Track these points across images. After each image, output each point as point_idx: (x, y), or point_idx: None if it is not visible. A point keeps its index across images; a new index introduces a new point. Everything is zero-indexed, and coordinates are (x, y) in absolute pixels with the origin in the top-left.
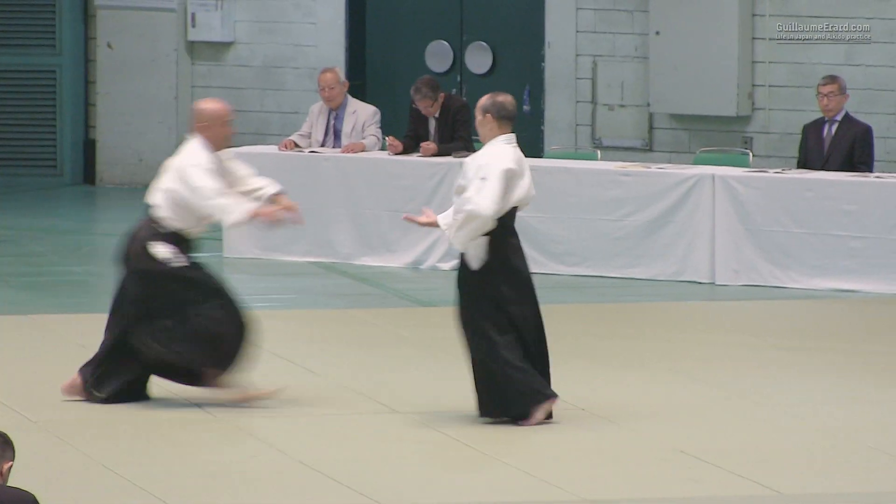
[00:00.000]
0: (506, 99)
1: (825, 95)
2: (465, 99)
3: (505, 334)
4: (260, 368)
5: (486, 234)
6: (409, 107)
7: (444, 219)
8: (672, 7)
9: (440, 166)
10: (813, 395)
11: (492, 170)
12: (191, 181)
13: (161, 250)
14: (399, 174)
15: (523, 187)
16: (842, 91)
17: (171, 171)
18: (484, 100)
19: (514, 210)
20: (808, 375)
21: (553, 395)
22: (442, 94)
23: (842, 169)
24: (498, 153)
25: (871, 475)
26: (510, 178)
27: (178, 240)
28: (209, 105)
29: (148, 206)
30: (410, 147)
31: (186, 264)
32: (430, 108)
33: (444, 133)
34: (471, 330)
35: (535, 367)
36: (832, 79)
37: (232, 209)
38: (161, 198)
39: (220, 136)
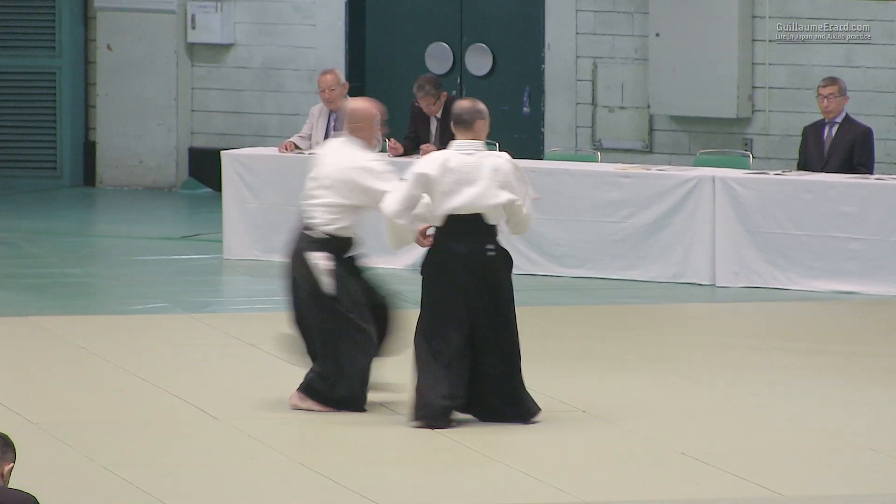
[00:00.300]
0: (458, 104)
1: (825, 97)
2: None
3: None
4: (260, 371)
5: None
6: (411, 107)
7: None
8: (672, 9)
9: None
10: (814, 396)
11: (410, 172)
12: (366, 184)
13: (320, 261)
14: (400, 175)
15: (456, 194)
16: (842, 93)
17: (334, 174)
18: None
19: (460, 217)
20: (808, 377)
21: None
22: (444, 94)
23: (841, 171)
24: (430, 157)
25: (871, 477)
26: (423, 182)
27: (335, 244)
28: (363, 105)
29: (304, 213)
30: (411, 149)
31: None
32: (432, 107)
33: (445, 135)
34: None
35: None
36: (832, 80)
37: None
38: (324, 203)
39: (372, 137)
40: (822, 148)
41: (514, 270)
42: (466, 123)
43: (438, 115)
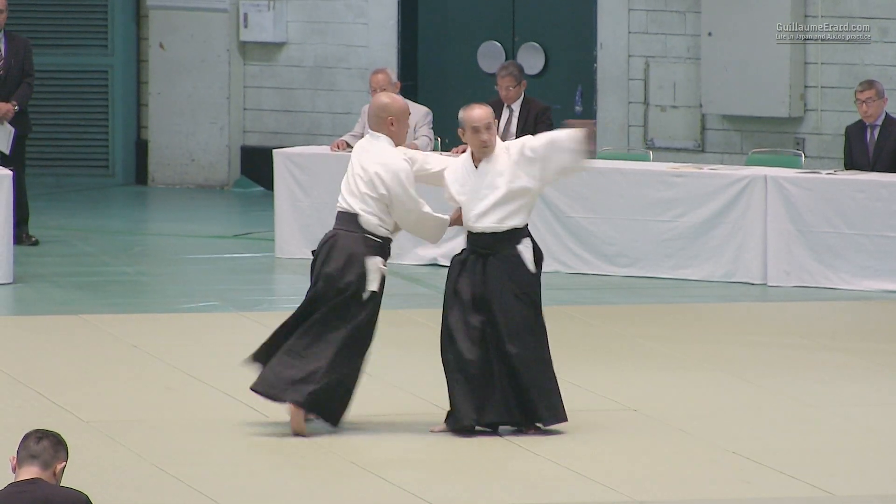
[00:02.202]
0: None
1: (863, 102)
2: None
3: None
4: None
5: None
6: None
7: None
8: (724, 8)
9: None
10: (865, 396)
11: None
12: (406, 185)
13: (375, 267)
14: None
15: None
16: (879, 96)
17: (372, 174)
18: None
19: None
20: (860, 377)
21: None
22: (525, 83)
23: (891, 171)
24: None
25: None
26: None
27: (384, 247)
28: (394, 100)
29: (348, 214)
30: None
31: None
32: (510, 90)
33: (522, 130)
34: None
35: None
36: (869, 84)
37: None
38: (366, 204)
39: (404, 133)
40: (867, 150)
41: (567, 269)
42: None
43: (513, 107)
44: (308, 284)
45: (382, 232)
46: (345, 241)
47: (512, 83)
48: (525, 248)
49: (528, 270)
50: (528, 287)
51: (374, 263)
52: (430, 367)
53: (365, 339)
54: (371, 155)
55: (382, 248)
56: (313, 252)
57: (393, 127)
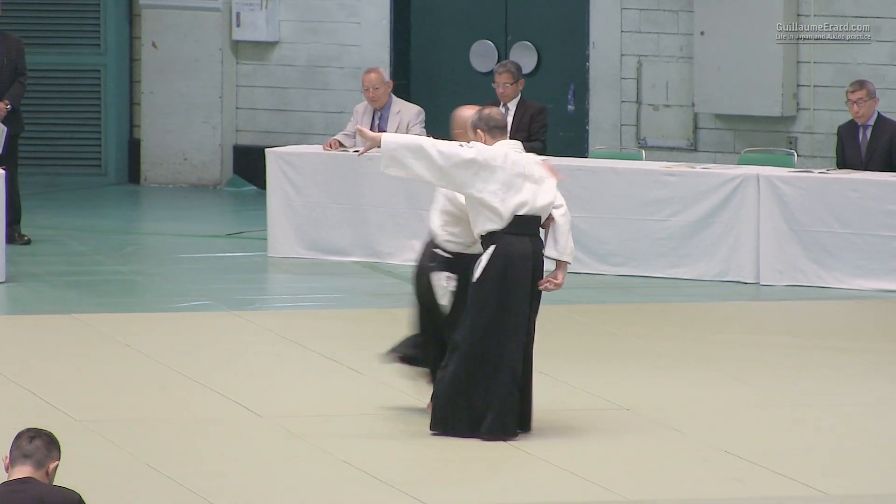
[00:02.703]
0: (491, 111)
1: (854, 102)
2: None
3: None
4: (304, 368)
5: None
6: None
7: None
8: (717, 7)
9: None
10: (858, 396)
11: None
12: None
13: (439, 282)
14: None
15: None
16: (871, 96)
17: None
18: (471, 116)
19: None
20: (852, 376)
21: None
22: (522, 82)
23: (884, 171)
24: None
25: None
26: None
27: (455, 263)
28: (466, 112)
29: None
30: None
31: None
32: (507, 88)
33: (516, 129)
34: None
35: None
36: (860, 84)
37: None
38: (440, 219)
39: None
40: (860, 151)
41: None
42: (503, 127)
43: (509, 105)
44: (300, 283)
45: (452, 247)
46: (421, 252)
47: (509, 80)
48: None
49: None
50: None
51: (438, 278)
52: None
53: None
54: None
55: (452, 263)
56: None
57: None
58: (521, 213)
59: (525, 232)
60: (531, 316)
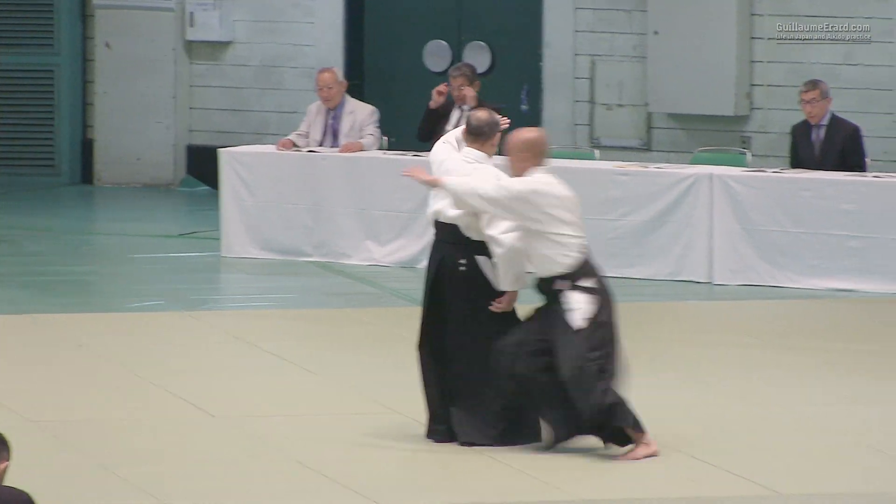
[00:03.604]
0: (472, 115)
1: (808, 102)
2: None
3: None
4: (258, 368)
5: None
6: (426, 108)
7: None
8: (670, 7)
9: None
10: (811, 394)
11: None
12: None
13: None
14: (397, 173)
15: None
16: (824, 96)
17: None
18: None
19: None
20: (806, 375)
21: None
22: (478, 84)
23: (837, 171)
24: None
25: (869, 475)
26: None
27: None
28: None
29: None
30: (426, 136)
31: None
32: (462, 90)
33: None
34: None
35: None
36: (813, 84)
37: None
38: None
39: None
40: (813, 150)
41: None
42: (485, 136)
43: (465, 107)
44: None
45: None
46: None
47: (464, 83)
48: None
49: None
50: None
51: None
52: (377, 367)
53: None
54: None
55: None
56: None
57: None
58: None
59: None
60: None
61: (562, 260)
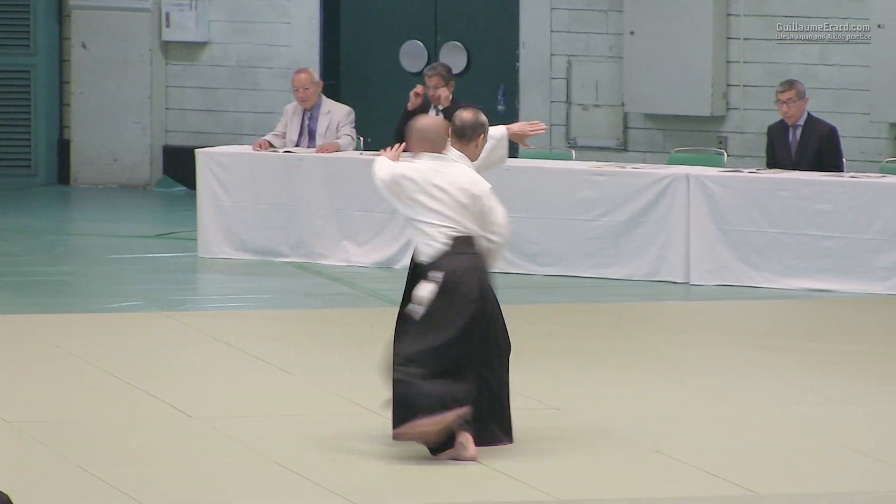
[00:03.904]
0: (457, 115)
1: (784, 102)
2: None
3: None
4: (235, 369)
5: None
6: (404, 110)
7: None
8: (647, 7)
9: None
10: (787, 394)
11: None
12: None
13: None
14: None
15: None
16: (800, 96)
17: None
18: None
19: None
20: (782, 375)
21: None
22: (453, 84)
23: (812, 171)
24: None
25: (845, 475)
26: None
27: None
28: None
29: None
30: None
31: None
32: (438, 90)
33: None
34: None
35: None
36: (790, 84)
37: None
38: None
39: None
40: (790, 150)
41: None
42: (468, 137)
43: (440, 107)
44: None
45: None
46: (481, 262)
47: (439, 83)
48: None
49: None
50: None
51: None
52: (354, 368)
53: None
54: (462, 176)
55: None
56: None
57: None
58: None
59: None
60: None
61: (424, 248)
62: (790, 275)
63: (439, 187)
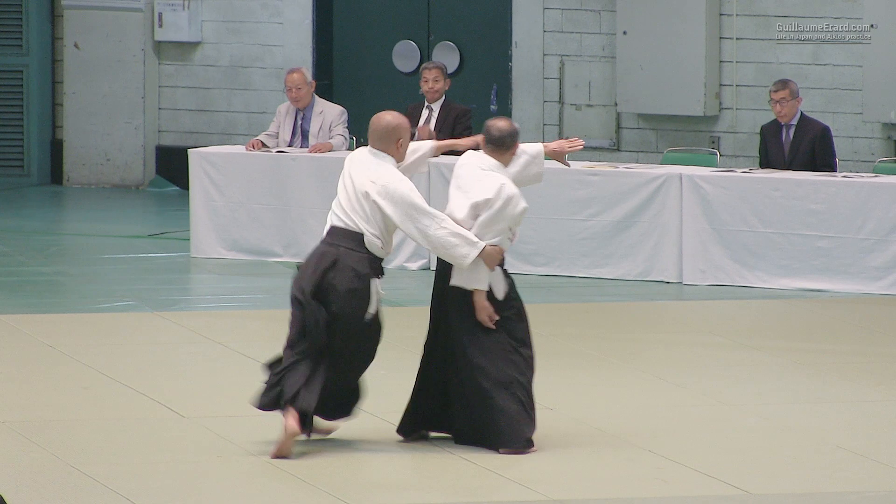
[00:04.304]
0: (497, 124)
1: (777, 102)
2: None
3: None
4: (227, 369)
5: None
6: (406, 109)
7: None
8: (639, 7)
9: None
10: (780, 394)
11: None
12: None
13: (376, 289)
14: None
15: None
16: (794, 96)
17: (382, 191)
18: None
19: None
20: (775, 375)
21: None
22: (448, 82)
23: (805, 171)
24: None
25: (837, 474)
26: None
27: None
28: (401, 119)
29: (351, 232)
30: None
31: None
32: (434, 85)
33: (440, 131)
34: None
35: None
36: (783, 84)
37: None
38: (370, 224)
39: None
40: (783, 150)
41: None
42: (506, 146)
43: (434, 106)
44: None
45: (381, 253)
46: (349, 259)
47: (439, 76)
48: None
49: None
50: None
51: (376, 285)
52: None
53: (367, 359)
54: (375, 173)
55: (380, 269)
56: (298, 265)
57: (400, 147)
58: None
59: None
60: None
61: (376, 252)
62: (783, 275)
63: (351, 178)
